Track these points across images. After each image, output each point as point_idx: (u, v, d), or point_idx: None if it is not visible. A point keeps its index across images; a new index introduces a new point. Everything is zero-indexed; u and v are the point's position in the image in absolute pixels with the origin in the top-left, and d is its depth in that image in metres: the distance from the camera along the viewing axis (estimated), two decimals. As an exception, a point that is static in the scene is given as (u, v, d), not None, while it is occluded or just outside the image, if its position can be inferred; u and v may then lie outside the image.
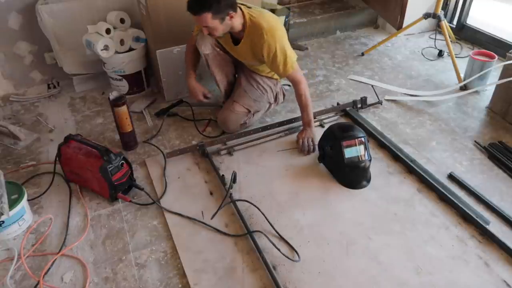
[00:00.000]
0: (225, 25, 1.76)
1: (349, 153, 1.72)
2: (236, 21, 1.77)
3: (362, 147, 1.73)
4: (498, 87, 2.18)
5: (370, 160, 1.75)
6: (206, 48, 1.95)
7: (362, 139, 1.74)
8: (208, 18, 1.68)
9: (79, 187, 1.77)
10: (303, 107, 1.93)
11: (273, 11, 2.81)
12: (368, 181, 1.77)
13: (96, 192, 1.73)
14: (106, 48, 2.18)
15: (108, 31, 2.18)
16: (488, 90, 2.39)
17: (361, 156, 1.72)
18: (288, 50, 1.83)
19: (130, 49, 2.31)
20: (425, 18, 2.71)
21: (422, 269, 1.41)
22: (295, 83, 1.91)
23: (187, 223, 1.60)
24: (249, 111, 2.05)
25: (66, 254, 1.49)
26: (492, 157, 1.90)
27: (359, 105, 2.24)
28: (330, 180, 1.79)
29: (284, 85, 2.36)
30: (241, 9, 1.79)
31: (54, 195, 1.75)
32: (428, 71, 2.67)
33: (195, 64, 2.09)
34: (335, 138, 1.76)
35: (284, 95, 2.30)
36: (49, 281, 1.40)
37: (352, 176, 1.75)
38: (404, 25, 2.77)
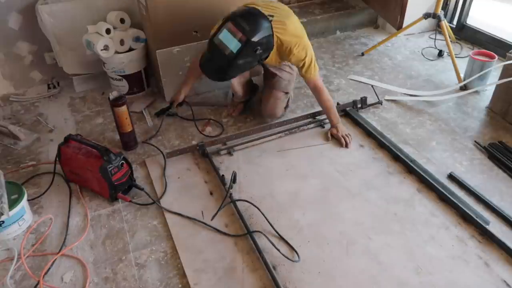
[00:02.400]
0: None
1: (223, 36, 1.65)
2: None
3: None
4: (498, 87, 2.18)
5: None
6: None
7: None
8: None
9: (79, 187, 1.77)
10: (329, 109, 2.01)
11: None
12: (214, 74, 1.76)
13: (96, 192, 1.73)
14: (106, 48, 2.18)
15: (108, 31, 2.18)
16: (488, 90, 2.39)
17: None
18: (313, 58, 1.88)
19: (130, 49, 2.31)
20: (425, 18, 2.71)
21: (422, 269, 1.41)
22: (317, 89, 1.96)
23: (187, 223, 1.60)
24: (287, 93, 2.14)
25: (66, 254, 1.49)
26: (492, 157, 1.90)
27: (359, 105, 2.24)
28: (330, 180, 1.79)
29: None
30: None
31: (54, 195, 1.75)
32: (428, 71, 2.67)
33: (192, 83, 2.19)
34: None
35: None
36: (49, 281, 1.40)
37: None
38: (404, 25, 2.76)
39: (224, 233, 1.55)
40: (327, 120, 2.15)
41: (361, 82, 2.55)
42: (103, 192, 1.69)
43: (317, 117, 2.17)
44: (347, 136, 1.99)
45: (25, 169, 1.90)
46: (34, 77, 2.49)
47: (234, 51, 1.64)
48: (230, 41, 1.64)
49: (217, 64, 1.72)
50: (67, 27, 2.25)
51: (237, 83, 2.10)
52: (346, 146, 1.97)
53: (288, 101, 2.18)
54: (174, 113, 2.23)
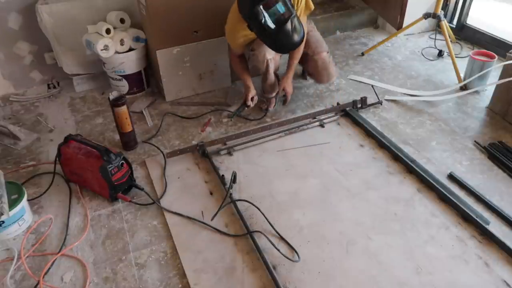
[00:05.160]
0: None
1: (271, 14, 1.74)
2: None
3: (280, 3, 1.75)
4: (498, 87, 2.18)
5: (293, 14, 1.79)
6: (269, 54, 2.08)
7: None
8: None
9: (79, 187, 1.77)
10: (298, 59, 2.13)
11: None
12: (301, 37, 1.84)
13: (96, 192, 1.73)
14: (106, 48, 2.18)
15: (108, 31, 2.18)
16: (488, 90, 2.39)
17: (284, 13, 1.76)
18: None
19: (130, 49, 2.31)
20: (425, 18, 2.71)
21: (422, 269, 1.41)
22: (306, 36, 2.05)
23: (187, 223, 1.60)
24: (327, 52, 2.23)
25: (66, 254, 1.49)
26: (492, 157, 1.90)
27: (359, 105, 2.24)
28: (330, 180, 1.79)
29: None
30: None
31: (54, 195, 1.75)
32: (428, 71, 2.67)
33: (248, 69, 2.23)
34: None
35: None
36: (49, 281, 1.40)
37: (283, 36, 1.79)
38: (404, 25, 2.76)
39: (224, 233, 1.55)
40: (327, 120, 2.15)
41: (361, 82, 2.55)
42: (103, 192, 1.69)
43: (317, 117, 2.17)
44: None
45: (25, 169, 1.90)
46: (34, 77, 2.49)
47: (290, 10, 1.75)
48: (280, 9, 1.74)
49: (287, 33, 1.79)
50: (67, 27, 2.25)
51: (272, 65, 2.15)
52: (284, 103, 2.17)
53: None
54: (246, 113, 2.27)
